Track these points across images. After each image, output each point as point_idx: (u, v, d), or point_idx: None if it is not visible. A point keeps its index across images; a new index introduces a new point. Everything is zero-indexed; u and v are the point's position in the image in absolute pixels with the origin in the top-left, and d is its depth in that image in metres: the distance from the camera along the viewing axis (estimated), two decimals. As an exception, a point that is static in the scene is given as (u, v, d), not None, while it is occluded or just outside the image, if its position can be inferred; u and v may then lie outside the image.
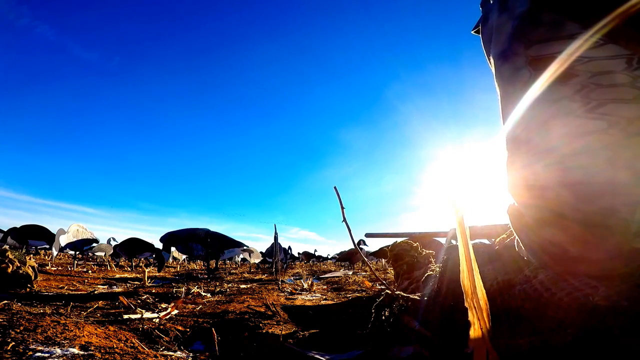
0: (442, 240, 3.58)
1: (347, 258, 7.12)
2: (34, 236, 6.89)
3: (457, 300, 1.12)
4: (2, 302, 1.99)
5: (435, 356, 0.97)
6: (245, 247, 5.88)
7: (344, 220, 1.46)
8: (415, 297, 1.45)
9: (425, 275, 1.55)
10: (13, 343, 1.02)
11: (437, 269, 1.53)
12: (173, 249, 6.52)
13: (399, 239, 2.46)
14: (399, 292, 1.35)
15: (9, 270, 2.74)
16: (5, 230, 7.15)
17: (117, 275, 4.98)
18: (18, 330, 1.14)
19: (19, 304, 2.03)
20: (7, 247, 2.96)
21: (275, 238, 4.75)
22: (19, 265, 2.86)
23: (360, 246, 4.61)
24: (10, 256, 2.84)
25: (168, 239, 5.08)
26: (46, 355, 0.96)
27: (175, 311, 2.02)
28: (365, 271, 5.55)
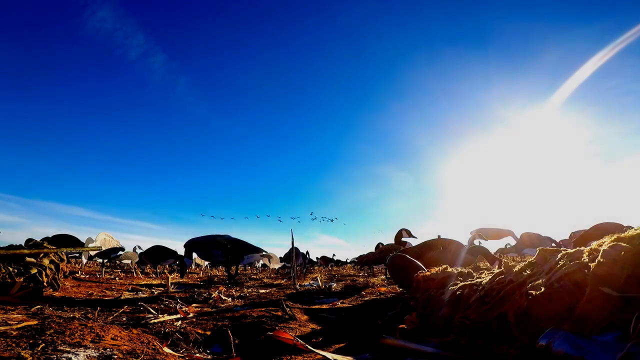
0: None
1: (367, 262, 7.05)
2: (66, 245, 7.24)
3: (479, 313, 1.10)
4: (35, 307, 2.10)
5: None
6: (264, 253, 5.94)
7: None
8: (432, 302, 1.44)
9: (445, 287, 1.53)
10: (43, 344, 1.08)
11: (460, 283, 1.51)
12: (195, 255, 6.68)
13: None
14: (412, 297, 1.33)
15: (44, 278, 2.90)
16: (39, 240, 7.55)
17: (143, 282, 5.15)
18: (48, 333, 1.21)
19: (51, 309, 2.14)
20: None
21: (292, 243, 4.78)
22: (53, 269, 3.05)
23: (403, 239, 4.53)
24: (46, 263, 3.02)
25: (189, 246, 5.21)
26: (72, 356, 1.02)
27: (195, 314, 2.07)
28: (385, 275, 5.48)
